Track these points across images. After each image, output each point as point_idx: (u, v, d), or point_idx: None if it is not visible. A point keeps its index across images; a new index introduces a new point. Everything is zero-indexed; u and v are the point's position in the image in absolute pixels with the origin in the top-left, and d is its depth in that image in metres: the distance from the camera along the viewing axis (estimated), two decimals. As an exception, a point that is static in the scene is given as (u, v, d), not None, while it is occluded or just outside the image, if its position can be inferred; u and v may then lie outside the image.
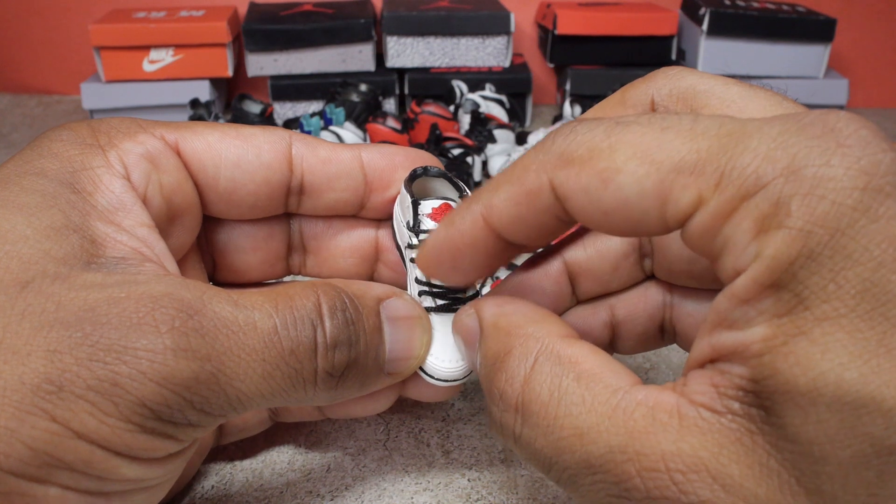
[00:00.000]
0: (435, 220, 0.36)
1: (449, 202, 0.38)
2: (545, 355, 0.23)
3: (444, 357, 0.34)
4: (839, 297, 0.17)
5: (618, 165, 0.20)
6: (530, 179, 0.23)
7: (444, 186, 0.42)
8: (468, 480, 0.45)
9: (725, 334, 0.20)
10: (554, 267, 0.35)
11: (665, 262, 0.33)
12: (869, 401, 0.16)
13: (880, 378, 0.17)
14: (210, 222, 0.39)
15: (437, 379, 0.35)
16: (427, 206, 0.36)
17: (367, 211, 0.40)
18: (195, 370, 0.25)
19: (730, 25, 1.18)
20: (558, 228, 0.25)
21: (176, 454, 0.28)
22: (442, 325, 0.34)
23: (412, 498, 0.44)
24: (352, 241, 0.41)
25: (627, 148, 0.20)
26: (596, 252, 0.34)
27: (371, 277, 0.43)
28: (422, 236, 0.35)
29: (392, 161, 0.39)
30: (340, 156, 0.37)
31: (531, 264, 0.36)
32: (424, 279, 0.34)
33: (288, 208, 0.39)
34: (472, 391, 0.55)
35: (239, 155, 0.35)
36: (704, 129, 0.19)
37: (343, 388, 0.31)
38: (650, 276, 0.35)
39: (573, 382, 0.21)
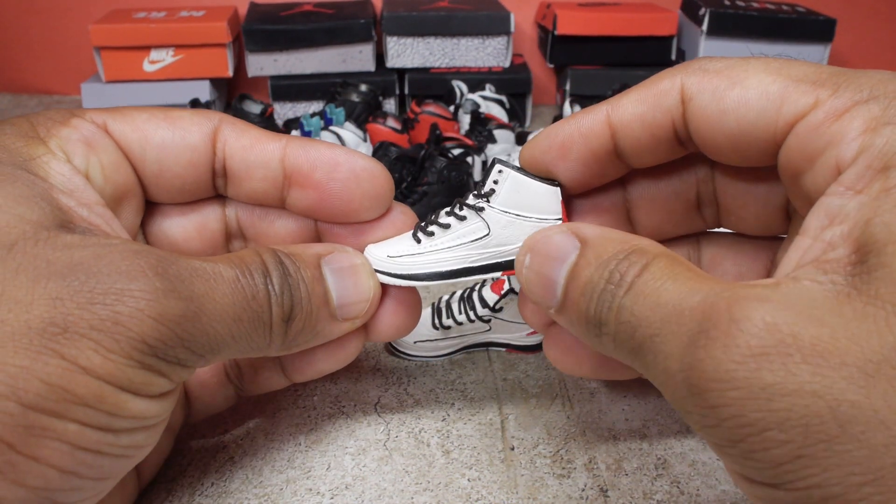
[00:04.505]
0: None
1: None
2: (660, 255, 0.25)
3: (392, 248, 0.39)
4: None
5: (748, 74, 0.24)
6: (663, 82, 0.27)
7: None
8: (468, 480, 0.45)
9: (839, 215, 0.22)
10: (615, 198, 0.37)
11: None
12: None
13: None
14: (149, 211, 0.39)
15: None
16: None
17: (288, 205, 0.38)
18: (182, 309, 0.28)
19: (730, 25, 1.18)
20: (666, 143, 0.28)
21: (169, 393, 0.30)
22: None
23: (412, 498, 0.44)
24: (289, 229, 0.40)
25: (758, 65, 0.24)
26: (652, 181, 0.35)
27: None
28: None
29: (312, 159, 0.36)
30: (263, 145, 0.36)
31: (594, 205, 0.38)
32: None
33: (217, 191, 0.39)
34: (472, 392, 0.55)
35: (165, 136, 0.36)
36: (824, 67, 0.24)
37: (296, 335, 0.34)
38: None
39: (686, 271, 0.24)
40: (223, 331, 0.30)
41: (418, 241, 0.38)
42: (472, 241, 0.38)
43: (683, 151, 0.30)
